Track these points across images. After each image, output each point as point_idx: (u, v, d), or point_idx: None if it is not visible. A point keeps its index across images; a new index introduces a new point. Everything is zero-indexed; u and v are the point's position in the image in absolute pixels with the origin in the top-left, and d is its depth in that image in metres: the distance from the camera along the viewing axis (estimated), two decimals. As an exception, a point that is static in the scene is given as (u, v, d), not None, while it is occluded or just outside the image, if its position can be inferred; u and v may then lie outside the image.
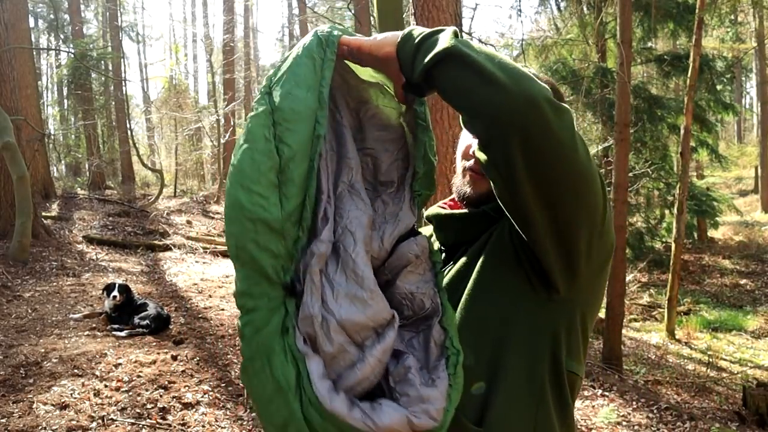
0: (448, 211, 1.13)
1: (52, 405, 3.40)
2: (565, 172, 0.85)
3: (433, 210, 1.16)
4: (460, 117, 0.90)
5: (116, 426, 3.25)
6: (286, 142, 0.94)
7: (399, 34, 0.95)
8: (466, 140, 1.10)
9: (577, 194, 0.87)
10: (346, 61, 1.07)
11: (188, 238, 10.30)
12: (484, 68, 0.82)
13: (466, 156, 1.10)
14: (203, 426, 3.40)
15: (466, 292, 1.01)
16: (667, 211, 11.49)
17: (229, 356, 4.47)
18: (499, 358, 0.96)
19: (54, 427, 3.15)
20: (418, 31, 0.93)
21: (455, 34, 0.88)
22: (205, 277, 7.55)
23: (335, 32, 1.02)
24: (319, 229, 0.96)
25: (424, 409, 0.87)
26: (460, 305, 1.01)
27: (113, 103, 17.76)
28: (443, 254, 1.13)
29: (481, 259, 1.02)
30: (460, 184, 1.11)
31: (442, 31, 0.90)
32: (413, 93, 0.99)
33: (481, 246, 1.04)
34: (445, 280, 1.06)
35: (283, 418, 0.89)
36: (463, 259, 1.06)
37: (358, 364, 0.90)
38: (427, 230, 1.22)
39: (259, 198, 0.92)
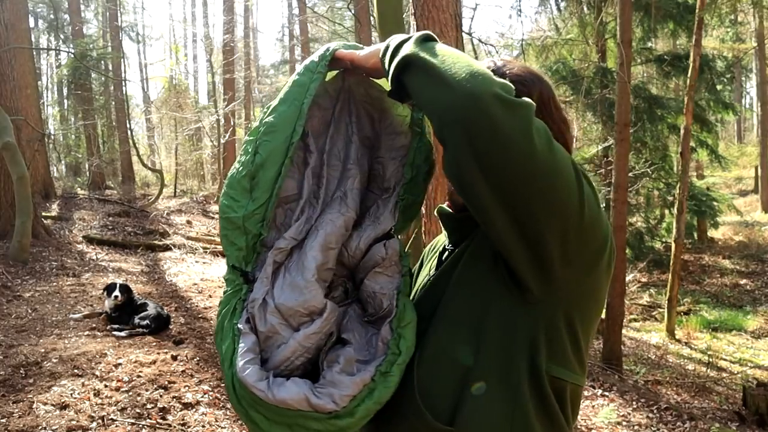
0: (447, 210, 1.14)
1: (52, 405, 3.40)
2: (521, 171, 0.81)
3: (439, 208, 1.17)
4: None
5: (116, 426, 3.25)
6: (259, 152, 1.07)
7: (381, 46, 1.00)
8: None
9: (539, 192, 0.83)
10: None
11: (188, 238, 10.30)
12: (436, 70, 0.85)
13: None
14: (203, 426, 3.40)
15: (445, 291, 1.02)
16: (667, 211, 11.49)
17: (229, 356, 4.47)
18: (474, 360, 0.95)
19: (54, 427, 3.15)
20: (396, 40, 0.96)
21: (421, 40, 0.91)
22: (205, 277, 7.55)
23: (333, 48, 1.10)
24: (290, 228, 1.10)
25: (329, 392, 0.96)
26: (440, 304, 1.02)
27: (113, 103, 17.76)
28: (446, 252, 1.13)
29: (463, 259, 1.02)
30: (449, 187, 1.12)
31: (411, 37, 0.93)
32: (396, 99, 1.03)
33: (467, 246, 1.04)
34: (432, 279, 1.08)
35: (226, 382, 1.04)
36: (450, 259, 1.06)
37: (283, 346, 1.02)
38: (440, 238, 1.26)
39: (232, 201, 1.09)
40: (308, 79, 1.08)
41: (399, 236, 1.18)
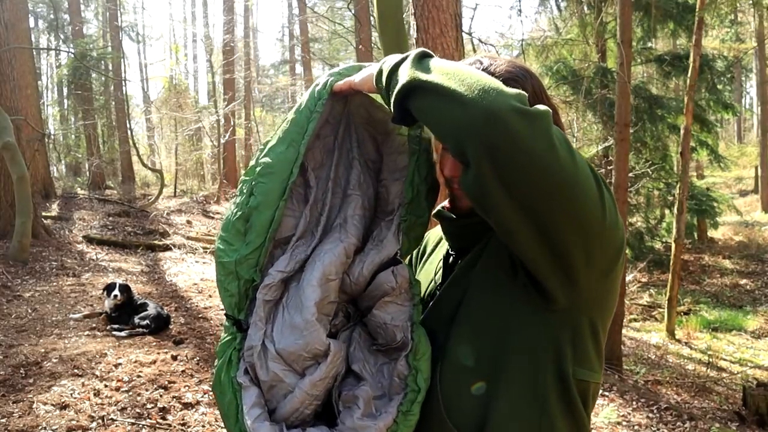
0: (448, 215, 1.10)
1: (52, 405, 3.40)
2: (545, 181, 0.79)
3: (438, 211, 1.15)
4: None
5: (116, 426, 3.25)
6: (254, 193, 1.03)
7: (374, 69, 0.97)
8: (443, 160, 1.06)
9: (563, 202, 0.81)
10: (372, 95, 1.10)
11: (188, 238, 10.30)
12: (445, 91, 0.82)
13: (444, 175, 1.07)
14: (203, 426, 3.40)
15: (462, 301, 1.00)
16: (667, 211, 11.49)
17: (229, 356, 4.47)
18: (498, 371, 0.94)
19: (54, 427, 3.15)
20: (390, 63, 0.93)
21: (418, 59, 0.88)
22: (205, 277, 7.55)
23: (329, 83, 1.06)
24: (278, 261, 1.04)
25: None
26: (458, 315, 0.99)
27: (113, 103, 17.76)
28: (450, 258, 1.12)
29: (477, 267, 1.00)
30: (450, 201, 1.10)
31: (406, 59, 0.90)
32: (401, 124, 0.98)
33: (479, 253, 1.02)
34: (444, 287, 1.05)
35: None
36: (462, 267, 1.04)
37: (289, 396, 0.96)
38: (436, 231, 1.22)
39: (226, 244, 1.04)
40: (306, 118, 1.04)
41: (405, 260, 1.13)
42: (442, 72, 0.85)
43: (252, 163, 1.08)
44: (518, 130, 0.77)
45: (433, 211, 1.15)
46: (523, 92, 0.82)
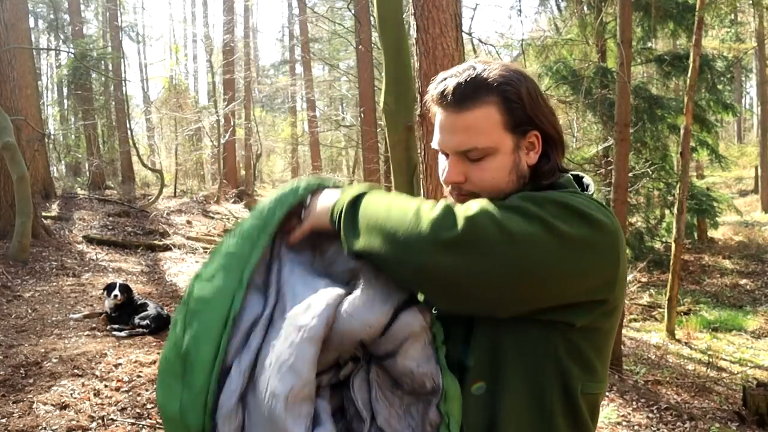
0: None
1: (52, 405, 3.40)
2: (506, 287, 0.83)
3: None
4: None
5: (116, 426, 3.25)
6: (191, 327, 0.92)
7: (326, 210, 1.00)
8: (441, 163, 1.06)
9: (534, 286, 0.84)
10: None
11: (188, 238, 10.30)
12: (376, 255, 0.89)
13: (444, 182, 1.07)
14: (203, 426, 3.40)
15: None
16: (667, 211, 11.49)
17: (229, 356, 4.47)
18: (498, 391, 0.93)
19: (54, 427, 3.15)
20: (337, 209, 0.97)
21: (347, 216, 0.94)
22: (205, 277, 7.54)
23: (277, 215, 1.00)
24: (230, 382, 0.90)
25: None
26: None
27: (113, 103, 17.75)
28: None
29: None
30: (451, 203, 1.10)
31: (340, 213, 0.96)
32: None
33: None
34: None
35: None
36: None
37: None
38: None
39: (166, 390, 0.92)
40: (248, 250, 0.97)
41: None
42: (367, 229, 0.90)
43: (184, 296, 0.98)
44: (454, 270, 0.82)
45: None
46: (442, 209, 0.86)
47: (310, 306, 0.90)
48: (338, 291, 0.93)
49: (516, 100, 0.96)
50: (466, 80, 0.96)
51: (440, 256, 0.81)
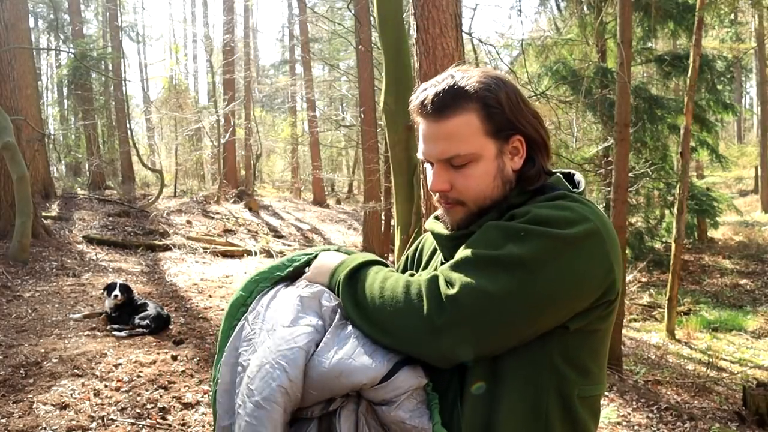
0: (441, 231, 1.09)
1: (52, 405, 3.40)
2: (511, 337, 0.89)
3: (430, 223, 1.14)
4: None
5: (116, 426, 3.25)
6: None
7: (326, 273, 1.06)
8: (428, 175, 1.05)
9: (536, 327, 0.89)
10: None
11: (188, 238, 10.30)
12: (371, 332, 0.95)
13: (431, 190, 1.07)
14: (203, 426, 3.40)
15: None
16: (667, 211, 11.50)
17: (229, 356, 4.46)
18: (497, 392, 0.93)
19: (54, 427, 3.15)
20: (334, 278, 1.04)
21: (346, 292, 1.00)
22: (205, 277, 7.55)
23: (260, 285, 1.12)
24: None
25: None
26: None
27: (113, 103, 17.76)
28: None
29: None
30: (442, 212, 1.08)
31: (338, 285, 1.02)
32: None
33: None
34: None
35: None
36: None
37: None
38: (429, 235, 1.22)
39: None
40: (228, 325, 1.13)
41: None
42: (360, 317, 0.96)
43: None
44: (451, 347, 0.88)
45: (427, 221, 1.15)
46: (429, 287, 0.90)
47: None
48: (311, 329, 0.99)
49: (495, 106, 0.96)
50: (444, 89, 0.97)
51: (435, 342, 0.88)
